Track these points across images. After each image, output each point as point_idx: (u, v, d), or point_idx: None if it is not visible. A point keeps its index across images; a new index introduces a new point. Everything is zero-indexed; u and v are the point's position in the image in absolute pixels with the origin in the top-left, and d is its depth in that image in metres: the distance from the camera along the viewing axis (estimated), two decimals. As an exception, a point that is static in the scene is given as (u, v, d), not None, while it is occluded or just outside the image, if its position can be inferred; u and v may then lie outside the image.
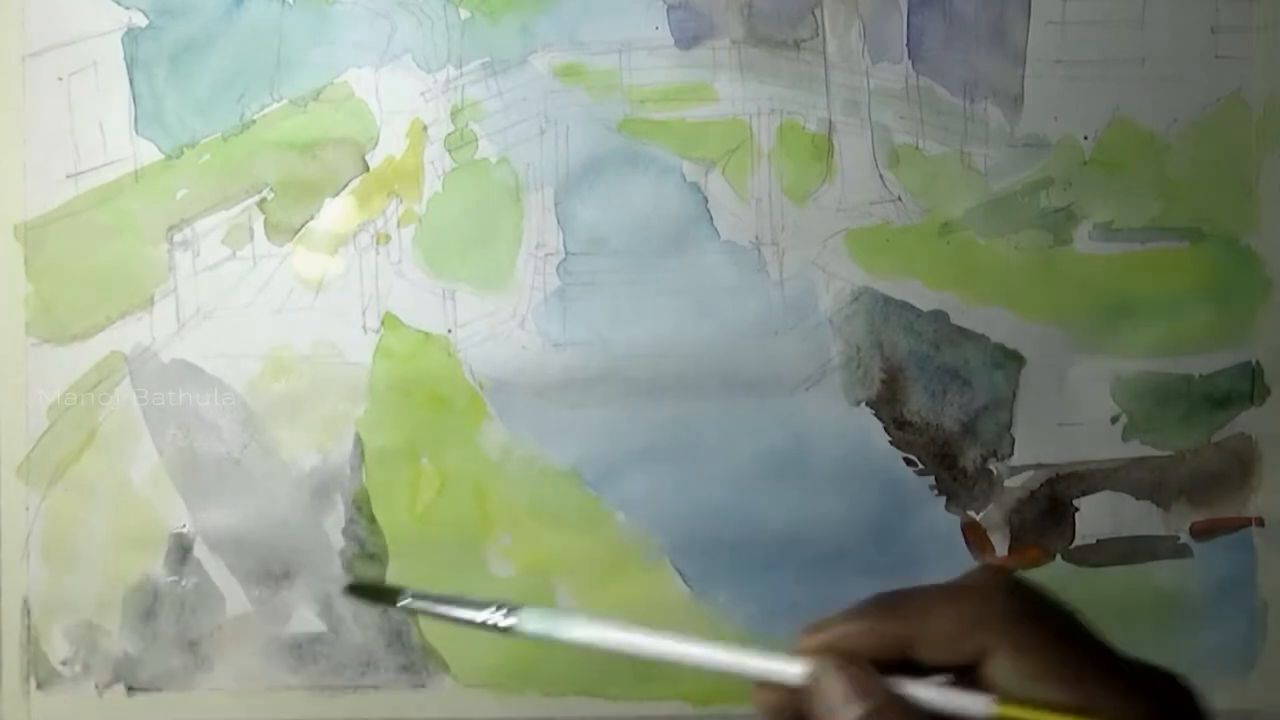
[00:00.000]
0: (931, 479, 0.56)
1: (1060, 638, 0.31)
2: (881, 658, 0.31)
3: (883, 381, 0.56)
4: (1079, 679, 0.30)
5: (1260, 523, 0.56)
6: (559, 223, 0.56)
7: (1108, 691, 0.30)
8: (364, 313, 0.56)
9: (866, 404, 0.56)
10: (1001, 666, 0.30)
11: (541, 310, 0.56)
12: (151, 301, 0.56)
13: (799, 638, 0.32)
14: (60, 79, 0.56)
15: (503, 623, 0.36)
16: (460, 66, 0.56)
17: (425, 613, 0.41)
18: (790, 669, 0.31)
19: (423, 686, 0.56)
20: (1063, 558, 0.56)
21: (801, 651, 0.31)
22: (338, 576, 0.56)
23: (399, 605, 0.42)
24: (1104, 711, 0.30)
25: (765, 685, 0.32)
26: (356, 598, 0.52)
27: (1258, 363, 0.55)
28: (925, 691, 0.32)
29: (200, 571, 0.56)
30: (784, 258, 0.55)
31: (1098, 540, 0.56)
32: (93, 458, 0.56)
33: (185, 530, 0.56)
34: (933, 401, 0.56)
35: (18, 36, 0.56)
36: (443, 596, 0.39)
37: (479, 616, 0.36)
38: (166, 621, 0.56)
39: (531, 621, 0.35)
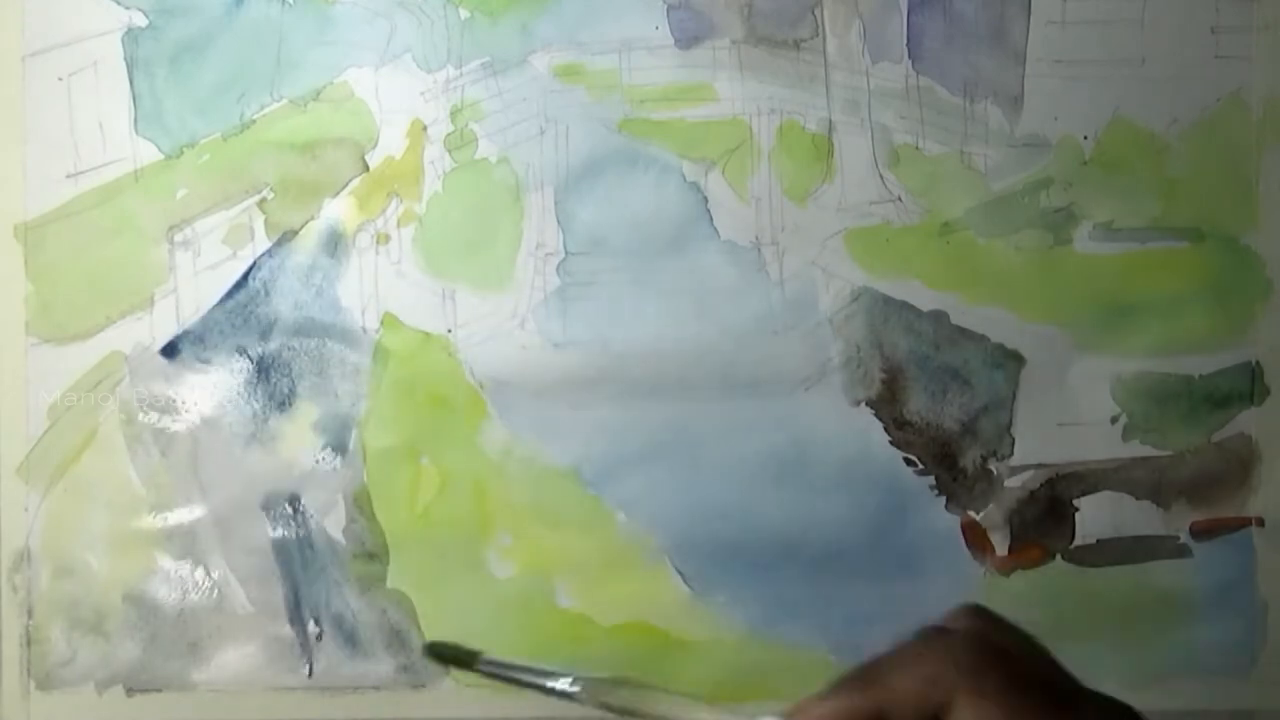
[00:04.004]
0: (931, 479, 0.56)
1: (1015, 682, 0.32)
2: None
3: (883, 381, 0.56)
4: None
5: (1260, 523, 0.56)
6: (559, 223, 0.56)
7: None
8: (364, 313, 0.56)
9: (866, 404, 0.56)
10: (963, 718, 0.31)
11: (541, 310, 0.56)
12: (151, 301, 0.56)
13: None
14: (60, 79, 0.56)
15: (569, 689, 0.37)
16: (460, 66, 0.56)
17: (500, 677, 0.43)
18: None
19: (423, 686, 0.56)
20: (1063, 558, 0.56)
21: None
22: (337, 576, 0.56)
23: (477, 668, 0.44)
24: None
25: None
26: (434, 658, 0.52)
27: (1258, 363, 0.55)
28: None
29: (200, 571, 0.56)
30: (784, 258, 0.55)
31: (1098, 540, 0.56)
32: (93, 458, 0.56)
33: (185, 530, 0.56)
34: (933, 401, 0.56)
35: (18, 36, 0.56)
36: (515, 664, 0.41)
37: (550, 684, 0.38)
38: (166, 621, 0.56)
39: (599, 694, 0.37)
